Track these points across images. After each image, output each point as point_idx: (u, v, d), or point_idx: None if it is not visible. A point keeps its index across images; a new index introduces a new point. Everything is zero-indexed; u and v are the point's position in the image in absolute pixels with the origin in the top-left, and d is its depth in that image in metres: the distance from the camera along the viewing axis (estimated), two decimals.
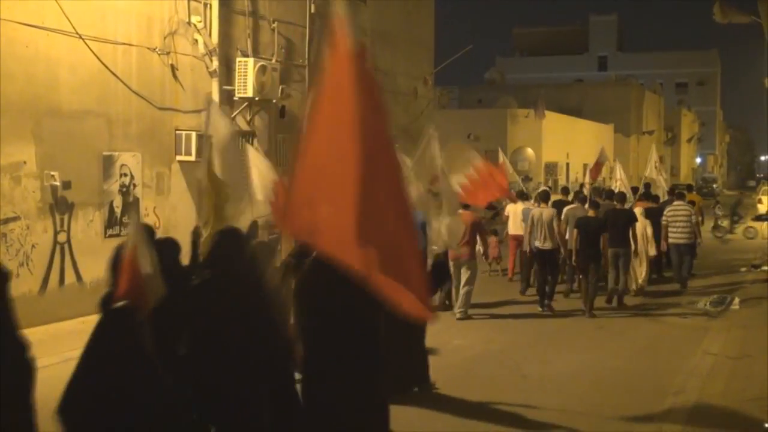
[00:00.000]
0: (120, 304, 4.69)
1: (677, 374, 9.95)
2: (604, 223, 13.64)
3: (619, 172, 20.78)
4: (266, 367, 5.33)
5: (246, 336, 5.21)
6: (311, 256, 5.70)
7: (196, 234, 6.90)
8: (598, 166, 23.13)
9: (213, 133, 8.36)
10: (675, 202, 17.05)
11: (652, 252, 15.91)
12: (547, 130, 35.68)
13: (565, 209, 14.80)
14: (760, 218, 29.83)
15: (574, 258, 13.59)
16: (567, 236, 14.10)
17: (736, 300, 15.02)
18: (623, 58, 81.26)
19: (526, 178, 15.38)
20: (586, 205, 14.55)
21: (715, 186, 62.93)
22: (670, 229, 16.36)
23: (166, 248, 5.62)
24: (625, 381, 9.64)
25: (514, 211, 16.48)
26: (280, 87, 16.43)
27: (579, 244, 13.41)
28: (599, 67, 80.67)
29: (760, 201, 34.31)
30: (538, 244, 13.90)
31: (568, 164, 39.17)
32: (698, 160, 77.20)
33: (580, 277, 13.87)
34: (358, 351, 5.63)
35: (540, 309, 13.64)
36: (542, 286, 13.85)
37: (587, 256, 13.37)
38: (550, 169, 36.86)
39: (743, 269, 19.44)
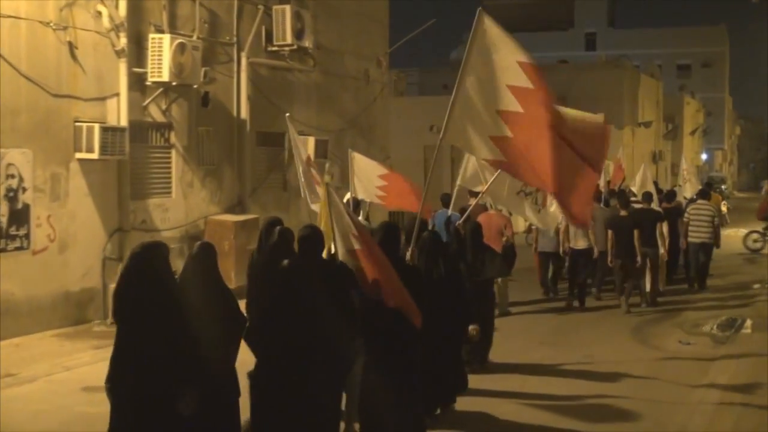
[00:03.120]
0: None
1: (679, 410, 10.15)
2: (637, 223, 16.28)
3: (642, 172, 21.91)
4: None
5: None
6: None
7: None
8: (619, 168, 23.78)
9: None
10: (698, 201, 19.81)
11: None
12: None
13: None
14: None
15: (609, 259, 16.43)
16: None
17: (748, 322, 15.31)
18: (615, 35, 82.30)
19: None
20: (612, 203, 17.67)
21: (724, 187, 63.66)
22: (690, 228, 18.96)
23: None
24: (618, 419, 9.79)
25: None
26: (203, 69, 16.37)
27: (613, 243, 16.26)
28: (587, 46, 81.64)
29: None
30: (571, 243, 16.89)
31: None
32: (704, 156, 78.18)
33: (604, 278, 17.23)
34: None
35: (575, 304, 16.77)
36: (573, 284, 17.02)
37: (621, 255, 16.18)
38: None
39: (756, 286, 19.84)
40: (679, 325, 15.35)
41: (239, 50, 17.94)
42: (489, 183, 12.60)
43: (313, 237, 7.72)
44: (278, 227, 9.45)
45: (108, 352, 11.45)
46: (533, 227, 17.88)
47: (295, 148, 14.03)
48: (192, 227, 16.65)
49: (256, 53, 18.44)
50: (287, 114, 15.47)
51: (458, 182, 15.29)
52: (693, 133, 68.67)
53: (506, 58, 8.62)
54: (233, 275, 15.01)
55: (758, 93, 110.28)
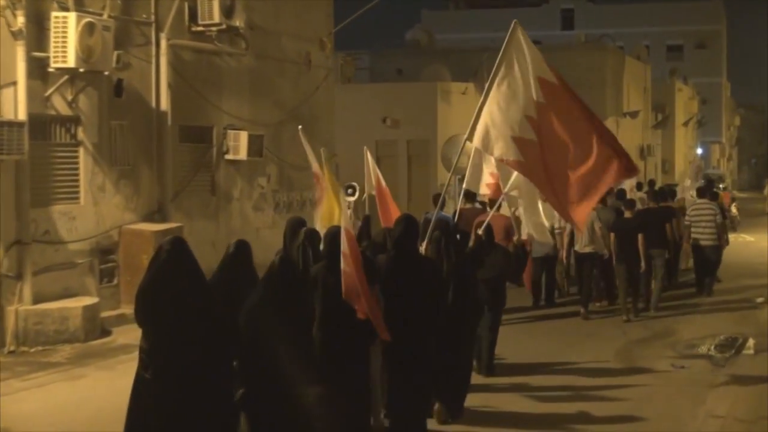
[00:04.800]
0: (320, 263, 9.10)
1: None
2: (641, 224, 17.71)
3: None
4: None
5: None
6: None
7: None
8: None
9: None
10: (699, 201, 21.49)
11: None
12: None
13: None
14: None
15: (614, 262, 17.82)
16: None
17: (750, 342, 15.45)
18: (595, 11, 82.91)
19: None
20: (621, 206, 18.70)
21: (722, 186, 63.98)
22: (693, 230, 20.59)
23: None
24: None
25: None
26: (116, 53, 16.28)
27: (616, 247, 17.71)
28: (563, 25, 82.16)
29: None
30: (577, 247, 18.18)
31: None
32: (699, 150, 79.01)
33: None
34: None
35: (583, 310, 17.97)
36: (585, 290, 18.26)
37: (626, 260, 17.57)
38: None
39: (759, 300, 20.10)
40: (672, 345, 15.50)
41: (158, 31, 17.85)
42: (512, 177, 13.51)
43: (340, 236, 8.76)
44: (304, 228, 10.44)
45: (8, 387, 11.37)
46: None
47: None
48: (104, 238, 16.55)
49: (178, 34, 18.37)
50: (300, 126, 16.11)
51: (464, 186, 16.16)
52: (686, 123, 69.33)
53: (529, 72, 10.77)
54: None
55: (760, 78, 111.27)
